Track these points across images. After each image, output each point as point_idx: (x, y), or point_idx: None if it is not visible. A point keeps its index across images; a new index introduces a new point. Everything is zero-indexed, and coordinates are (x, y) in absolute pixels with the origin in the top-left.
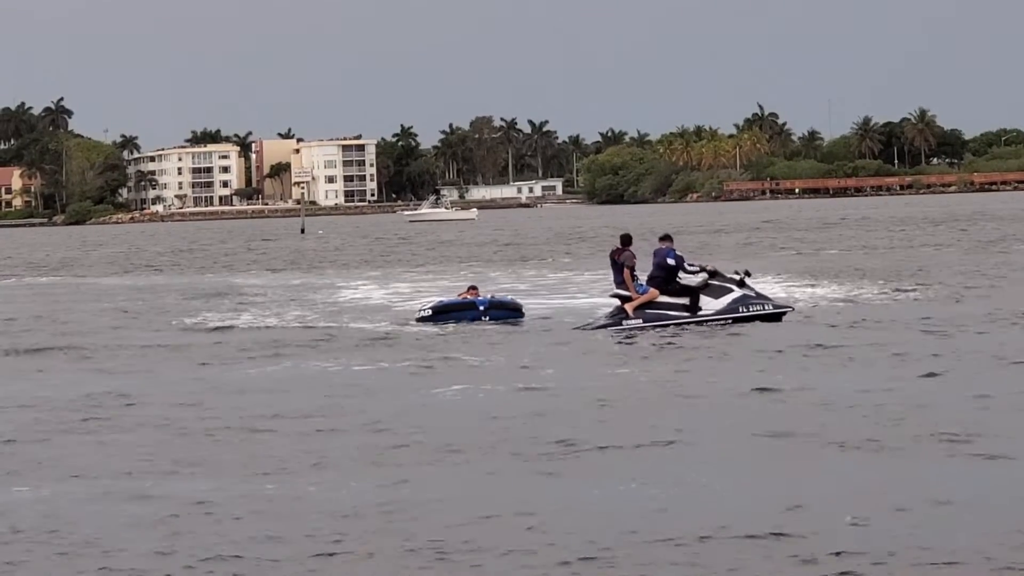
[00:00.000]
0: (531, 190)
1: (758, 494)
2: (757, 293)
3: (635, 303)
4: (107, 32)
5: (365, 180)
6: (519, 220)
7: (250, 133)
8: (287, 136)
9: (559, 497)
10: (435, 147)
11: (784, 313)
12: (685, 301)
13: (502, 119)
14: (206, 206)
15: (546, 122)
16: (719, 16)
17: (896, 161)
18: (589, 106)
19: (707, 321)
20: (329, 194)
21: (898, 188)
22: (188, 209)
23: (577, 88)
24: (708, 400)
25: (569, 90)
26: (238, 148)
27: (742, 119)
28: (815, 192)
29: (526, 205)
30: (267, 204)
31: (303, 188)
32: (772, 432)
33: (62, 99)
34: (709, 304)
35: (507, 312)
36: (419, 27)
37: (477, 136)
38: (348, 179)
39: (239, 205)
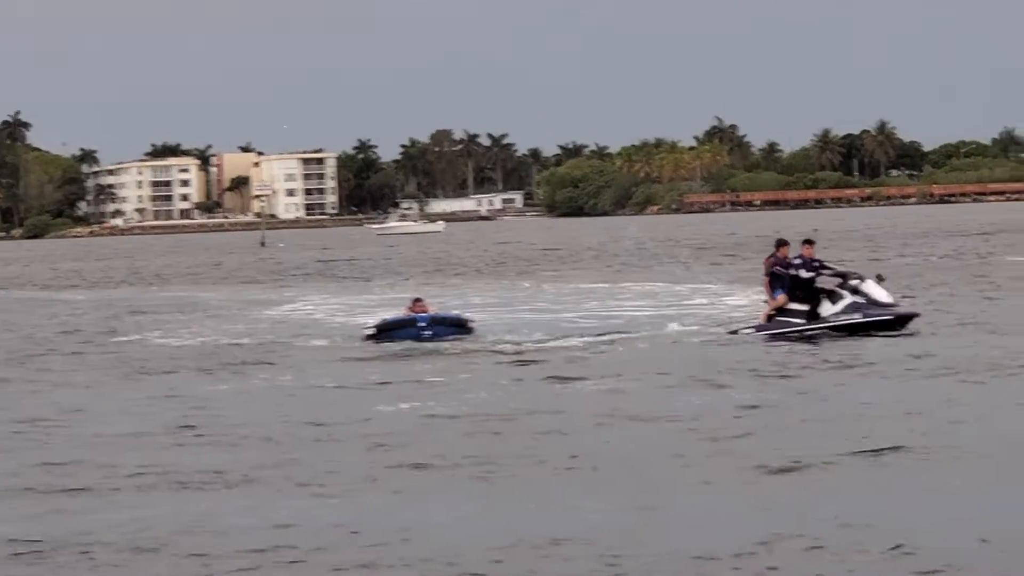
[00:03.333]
0: (491, 203)
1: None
2: (870, 300)
3: (767, 310)
4: (65, 44)
5: (325, 193)
6: (488, 232)
7: (210, 146)
8: (247, 150)
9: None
10: (395, 160)
11: (904, 320)
12: (807, 307)
13: (464, 132)
14: (166, 220)
15: (506, 135)
16: (678, 28)
17: (856, 173)
18: (549, 119)
19: (817, 330)
20: (289, 207)
21: (858, 200)
22: (148, 223)
23: (537, 101)
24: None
25: (528, 103)
26: (198, 162)
27: (702, 131)
28: (775, 204)
29: (486, 218)
30: (227, 218)
31: (263, 201)
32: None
33: (19, 112)
34: (827, 309)
35: (451, 328)
36: (379, 40)
37: (437, 149)
38: (308, 192)
39: (199, 219)
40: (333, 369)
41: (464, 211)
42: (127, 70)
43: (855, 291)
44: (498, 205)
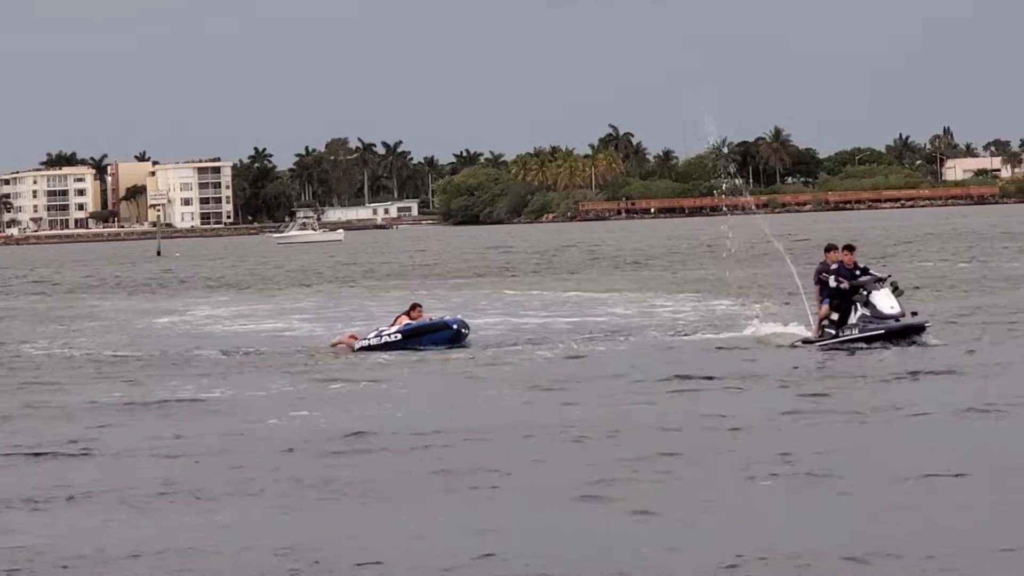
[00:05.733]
0: (387, 211)
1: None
2: (873, 312)
3: (816, 321)
4: None
5: (221, 202)
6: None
7: (105, 156)
8: (142, 159)
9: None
10: (291, 169)
11: (903, 333)
12: (835, 316)
13: (359, 140)
14: (62, 229)
15: (400, 143)
16: (572, 35)
17: (751, 180)
18: (443, 127)
19: (837, 343)
20: (185, 216)
21: (753, 207)
22: (43, 232)
23: (431, 109)
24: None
25: (423, 111)
26: (93, 171)
27: (597, 139)
28: (671, 212)
29: (382, 226)
30: (123, 227)
31: (159, 211)
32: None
33: None
34: (851, 320)
35: (469, 331)
36: (273, 48)
37: (333, 158)
38: (204, 201)
39: (95, 228)
40: (241, 379)
41: (360, 220)
42: (21, 77)
43: (866, 303)
44: (394, 214)
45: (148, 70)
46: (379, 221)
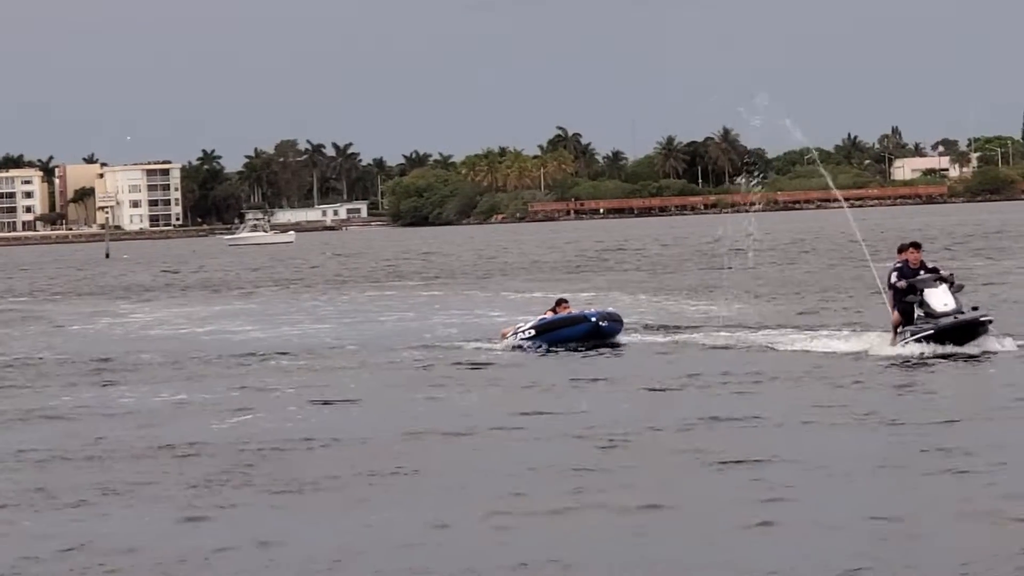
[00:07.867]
0: (336, 213)
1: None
2: (927, 312)
3: (892, 329)
4: None
5: (170, 204)
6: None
7: (52, 157)
8: (91, 161)
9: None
10: (240, 171)
11: (961, 330)
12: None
13: (308, 142)
14: (9, 232)
15: (350, 144)
16: (520, 37)
17: (700, 180)
18: (393, 129)
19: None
20: (134, 219)
21: (702, 207)
22: None
23: (380, 111)
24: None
25: (372, 113)
26: (41, 173)
27: (546, 140)
28: (620, 212)
29: (331, 228)
30: (71, 229)
31: (108, 213)
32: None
33: None
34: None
35: (616, 324)
36: (219, 51)
37: (282, 160)
38: (153, 204)
39: (43, 231)
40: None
41: (309, 221)
42: None
43: (921, 303)
44: (343, 215)
45: (95, 72)
46: (329, 223)
